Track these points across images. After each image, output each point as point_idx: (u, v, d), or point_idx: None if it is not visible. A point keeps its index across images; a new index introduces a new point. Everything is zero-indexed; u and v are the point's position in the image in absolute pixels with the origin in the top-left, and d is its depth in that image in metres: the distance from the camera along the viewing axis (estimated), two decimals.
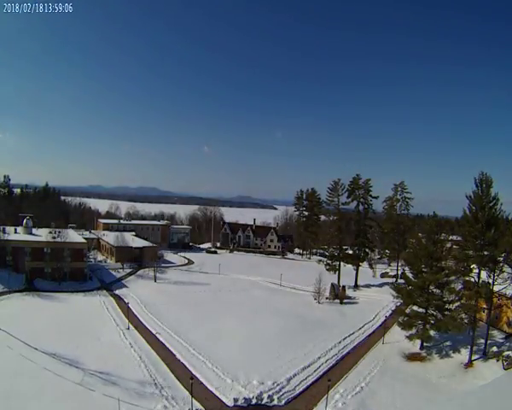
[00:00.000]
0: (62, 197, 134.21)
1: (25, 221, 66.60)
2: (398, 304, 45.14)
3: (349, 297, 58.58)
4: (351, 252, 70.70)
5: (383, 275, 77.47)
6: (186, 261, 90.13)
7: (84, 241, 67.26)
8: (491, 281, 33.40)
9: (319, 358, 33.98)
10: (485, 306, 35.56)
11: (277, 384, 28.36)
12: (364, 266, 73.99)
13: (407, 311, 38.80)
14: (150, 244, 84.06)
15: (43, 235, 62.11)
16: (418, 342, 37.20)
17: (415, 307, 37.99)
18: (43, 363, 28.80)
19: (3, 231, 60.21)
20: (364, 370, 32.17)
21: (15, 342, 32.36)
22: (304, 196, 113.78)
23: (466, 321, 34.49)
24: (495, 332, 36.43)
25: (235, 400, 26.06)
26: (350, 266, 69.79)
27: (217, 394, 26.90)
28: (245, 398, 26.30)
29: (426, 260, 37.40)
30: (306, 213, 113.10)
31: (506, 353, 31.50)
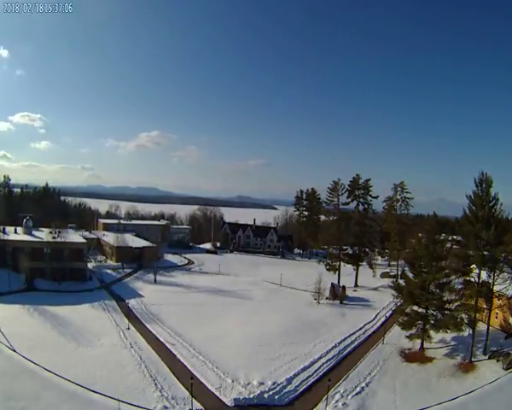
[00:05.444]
0: (62, 197, 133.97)
1: (25, 221, 66.65)
2: (399, 304, 45.10)
3: (349, 297, 58.52)
4: (351, 252, 70.68)
5: (383, 275, 77.39)
6: (186, 261, 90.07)
7: (83, 241, 67.26)
8: (491, 281, 33.39)
9: (319, 358, 33.95)
10: (485, 306, 35.52)
11: (278, 385, 28.34)
12: (364, 266, 74.02)
13: (407, 311, 38.77)
14: (150, 244, 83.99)
15: (43, 235, 62.14)
16: (418, 342, 37.19)
17: (415, 307, 37.96)
18: (43, 364, 28.76)
19: (3, 231, 60.27)
20: (365, 370, 32.14)
21: (15, 342, 32.30)
22: (304, 196, 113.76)
23: (466, 321, 34.49)
24: (495, 332, 36.36)
25: (236, 400, 26.04)
26: (350, 266, 69.79)
27: (217, 394, 26.88)
28: (245, 398, 26.29)
29: (426, 260, 37.40)
30: (306, 213, 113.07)
31: (506, 353, 31.49)
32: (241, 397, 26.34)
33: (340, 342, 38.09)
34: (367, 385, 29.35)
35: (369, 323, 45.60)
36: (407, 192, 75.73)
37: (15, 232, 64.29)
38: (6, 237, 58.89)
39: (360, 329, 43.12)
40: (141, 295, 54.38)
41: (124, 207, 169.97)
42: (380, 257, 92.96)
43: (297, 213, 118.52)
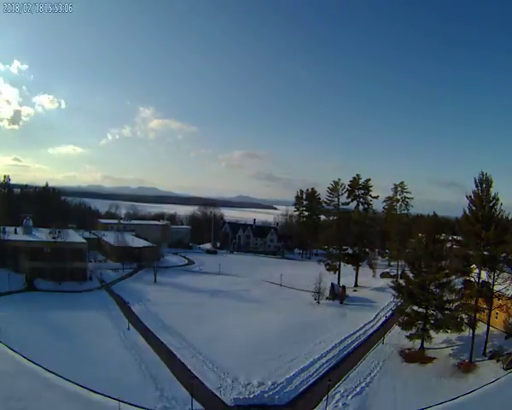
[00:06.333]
0: (62, 197, 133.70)
1: (25, 221, 66.66)
2: (399, 304, 45.08)
3: (349, 297, 58.52)
4: (351, 252, 70.70)
5: (383, 275, 77.40)
6: (186, 261, 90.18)
7: (84, 241, 67.29)
8: (491, 281, 33.38)
9: (319, 358, 33.92)
10: (485, 306, 35.52)
11: (278, 385, 28.31)
12: (364, 266, 74.01)
13: (407, 311, 38.76)
14: (150, 244, 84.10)
15: (43, 235, 62.12)
16: (418, 342, 37.17)
17: (415, 307, 37.95)
18: (43, 364, 28.73)
19: (3, 231, 60.19)
20: (365, 370, 32.13)
21: (15, 343, 32.27)
22: (304, 196, 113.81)
23: (466, 321, 34.47)
24: (495, 332, 36.37)
25: (236, 400, 26.04)
26: (350, 266, 69.81)
27: (217, 394, 26.86)
28: (245, 398, 26.28)
29: (426, 260, 37.39)
30: (306, 213, 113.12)
31: (506, 353, 31.48)
32: (241, 397, 26.32)
33: (340, 343, 38.07)
34: (367, 385, 29.33)
35: (369, 323, 45.59)
36: (407, 192, 75.91)
37: (15, 232, 64.27)
38: (6, 237, 58.86)
39: (360, 329, 43.11)
40: (141, 296, 54.35)
41: (124, 207, 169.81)
42: (380, 257, 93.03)
43: (297, 213, 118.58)
